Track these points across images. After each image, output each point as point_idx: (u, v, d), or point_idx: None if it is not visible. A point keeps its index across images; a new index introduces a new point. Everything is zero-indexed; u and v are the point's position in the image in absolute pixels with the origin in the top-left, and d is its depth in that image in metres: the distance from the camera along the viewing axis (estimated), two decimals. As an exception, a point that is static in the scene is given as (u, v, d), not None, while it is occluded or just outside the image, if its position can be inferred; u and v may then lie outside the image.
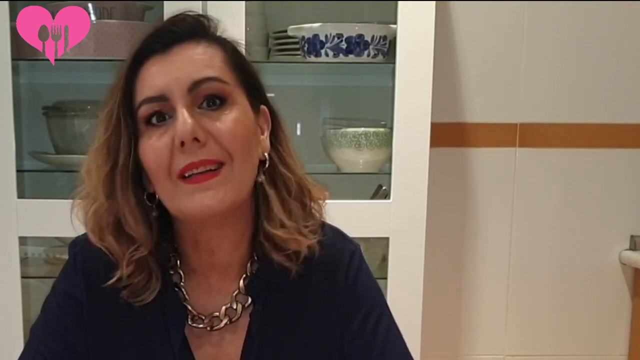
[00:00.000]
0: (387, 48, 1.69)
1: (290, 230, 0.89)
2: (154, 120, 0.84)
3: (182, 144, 0.82)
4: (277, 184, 0.90)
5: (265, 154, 0.90)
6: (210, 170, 0.83)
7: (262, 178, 0.89)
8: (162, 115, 0.84)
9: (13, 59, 1.58)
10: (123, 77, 0.85)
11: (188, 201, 0.83)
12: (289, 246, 0.89)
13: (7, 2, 1.54)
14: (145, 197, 0.88)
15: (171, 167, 0.83)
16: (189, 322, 0.92)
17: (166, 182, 0.84)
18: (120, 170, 0.85)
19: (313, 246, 0.91)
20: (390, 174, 1.66)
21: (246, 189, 0.87)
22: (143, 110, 0.84)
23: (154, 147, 0.84)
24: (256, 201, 0.91)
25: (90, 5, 1.63)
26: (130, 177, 0.86)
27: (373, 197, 1.78)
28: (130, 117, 0.85)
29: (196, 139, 0.82)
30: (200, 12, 0.90)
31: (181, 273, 0.93)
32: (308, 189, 0.93)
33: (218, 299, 0.93)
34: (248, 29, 1.62)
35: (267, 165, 0.90)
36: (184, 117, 0.82)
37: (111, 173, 0.86)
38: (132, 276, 0.88)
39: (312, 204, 0.93)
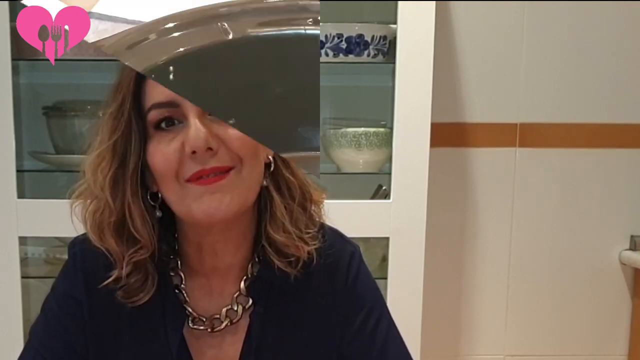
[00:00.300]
0: (387, 48, 1.69)
1: (292, 236, 0.89)
2: (162, 125, 0.84)
3: (194, 152, 0.81)
4: (281, 189, 0.90)
5: (270, 157, 0.90)
6: (219, 173, 0.83)
7: (267, 182, 0.89)
8: (172, 120, 0.84)
9: (13, 59, 1.58)
10: (133, 80, 0.84)
11: (196, 204, 0.83)
12: (290, 251, 0.90)
13: (7, 2, 1.54)
14: (148, 197, 0.88)
15: (180, 171, 0.83)
16: (190, 324, 0.92)
17: (174, 184, 0.84)
18: (131, 172, 0.85)
19: (313, 253, 0.91)
20: (390, 174, 1.65)
21: (253, 194, 0.87)
22: (153, 115, 0.84)
23: (163, 152, 0.83)
24: (259, 204, 0.91)
25: (90, 5, 1.63)
26: (139, 178, 0.86)
27: (373, 197, 1.77)
28: (140, 119, 0.84)
29: (209, 148, 0.81)
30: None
31: (182, 275, 0.93)
32: (310, 192, 0.93)
33: (219, 301, 0.93)
34: (248, 29, 1.62)
35: (272, 169, 0.90)
36: (196, 127, 0.81)
37: (118, 173, 0.85)
38: (129, 277, 0.88)
39: (313, 206, 0.94)
